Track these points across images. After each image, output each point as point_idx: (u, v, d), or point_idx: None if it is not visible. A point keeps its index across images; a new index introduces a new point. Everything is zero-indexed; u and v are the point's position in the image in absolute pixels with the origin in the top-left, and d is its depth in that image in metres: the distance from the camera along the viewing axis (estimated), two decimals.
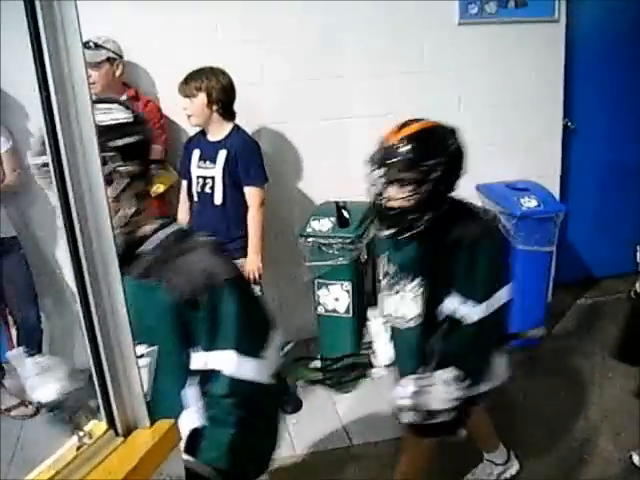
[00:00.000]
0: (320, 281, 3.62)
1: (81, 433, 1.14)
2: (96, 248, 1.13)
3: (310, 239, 3.56)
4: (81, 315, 1.15)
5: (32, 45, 1.02)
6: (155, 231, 1.58)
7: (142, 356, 1.50)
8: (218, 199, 3.25)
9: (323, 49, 3.75)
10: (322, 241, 3.53)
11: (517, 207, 3.81)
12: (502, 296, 2.18)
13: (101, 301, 1.15)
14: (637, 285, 2.83)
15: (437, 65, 3.96)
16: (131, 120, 1.57)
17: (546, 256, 3.95)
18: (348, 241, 3.49)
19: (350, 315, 3.65)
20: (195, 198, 3.34)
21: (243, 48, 3.61)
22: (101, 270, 1.14)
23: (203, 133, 3.31)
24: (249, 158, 3.23)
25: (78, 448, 1.12)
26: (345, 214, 3.69)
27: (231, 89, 3.21)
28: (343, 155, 3.95)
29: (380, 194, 2.17)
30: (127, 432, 1.20)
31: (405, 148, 2.11)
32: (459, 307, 2.17)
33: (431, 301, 2.25)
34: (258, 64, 3.68)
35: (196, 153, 3.30)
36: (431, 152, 2.11)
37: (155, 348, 1.54)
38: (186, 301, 1.47)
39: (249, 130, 3.40)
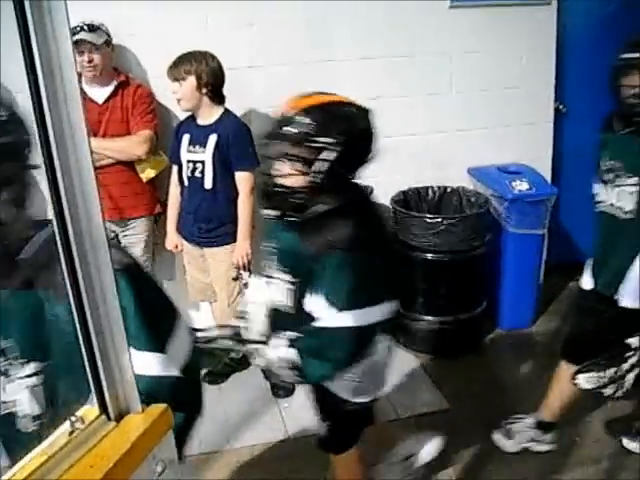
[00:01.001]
0: None
1: (73, 418, 1.14)
2: (86, 235, 1.12)
3: None
4: (72, 301, 1.15)
5: (19, 29, 1.02)
6: (31, 236, 1.39)
7: (35, 374, 1.35)
8: (208, 184, 3.24)
9: (313, 32, 3.73)
10: None
11: (509, 190, 3.82)
12: (374, 313, 1.93)
13: (92, 287, 1.14)
14: (581, 280, 2.81)
15: (428, 48, 3.95)
16: (4, 119, 1.36)
17: (538, 239, 3.97)
18: None
19: None
20: (185, 183, 3.33)
21: (233, 32, 3.59)
22: (92, 256, 1.14)
23: (193, 118, 3.30)
24: (239, 142, 3.21)
25: (70, 433, 1.13)
26: None
27: (220, 72, 3.20)
28: None
29: (268, 170, 1.97)
30: (119, 417, 1.20)
31: (298, 121, 1.87)
32: (321, 310, 1.94)
33: (298, 294, 2.01)
34: (248, 48, 3.66)
35: (186, 138, 3.29)
36: (327, 129, 1.85)
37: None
38: None
39: (239, 114, 3.39)
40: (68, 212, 1.09)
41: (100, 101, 3.36)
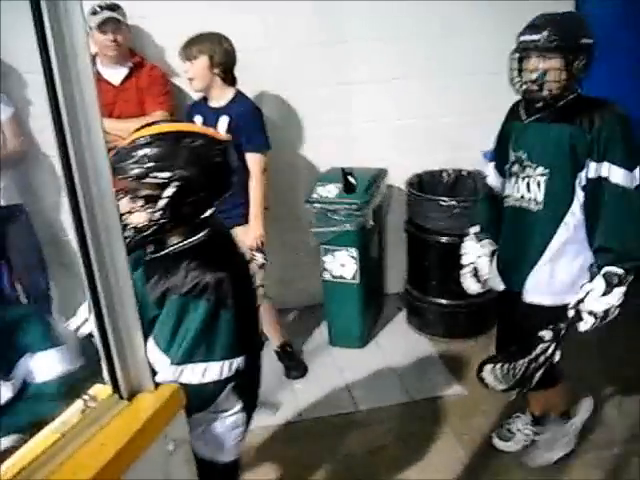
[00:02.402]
0: (326, 247, 3.63)
1: (86, 397, 1.15)
2: (99, 215, 1.13)
3: (316, 205, 3.55)
4: (85, 281, 1.16)
5: (31, 7, 1.01)
6: None
7: None
8: None
9: (327, 14, 3.69)
10: (328, 207, 3.52)
11: None
12: (213, 370, 1.65)
13: (104, 267, 1.15)
14: (490, 281, 2.70)
15: (443, 29, 3.89)
16: None
17: None
18: (354, 207, 3.48)
19: (357, 281, 3.66)
20: None
21: (246, 13, 3.56)
22: (104, 236, 1.14)
23: (205, 99, 3.29)
24: (251, 124, 3.20)
25: (83, 412, 1.14)
26: (351, 180, 3.67)
27: (233, 53, 3.18)
28: (347, 121, 3.92)
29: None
30: (131, 396, 1.21)
31: (137, 154, 1.64)
32: (157, 361, 1.62)
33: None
34: (261, 30, 3.64)
35: (198, 119, 3.27)
36: (169, 162, 1.64)
37: None
38: None
39: (252, 96, 3.37)
40: (81, 191, 1.09)
41: (116, 83, 3.37)
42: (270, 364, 3.48)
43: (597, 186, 2.24)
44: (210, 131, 1.80)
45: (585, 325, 2.22)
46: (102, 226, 1.12)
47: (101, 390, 1.19)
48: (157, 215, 1.64)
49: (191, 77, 3.18)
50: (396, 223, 4.06)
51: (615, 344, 3.41)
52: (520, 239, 2.47)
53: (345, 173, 3.71)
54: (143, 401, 1.21)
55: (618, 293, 2.20)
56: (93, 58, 3.22)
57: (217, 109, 3.21)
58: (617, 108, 2.29)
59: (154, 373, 1.33)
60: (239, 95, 3.23)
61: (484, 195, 2.84)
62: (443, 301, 3.82)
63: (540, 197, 2.36)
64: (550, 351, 2.26)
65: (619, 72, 4.33)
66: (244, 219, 3.27)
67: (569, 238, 2.36)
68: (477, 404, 3.22)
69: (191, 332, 1.61)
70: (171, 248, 1.71)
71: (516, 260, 2.51)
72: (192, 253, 1.68)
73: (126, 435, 1.12)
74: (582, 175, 2.27)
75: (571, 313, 2.25)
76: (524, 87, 2.33)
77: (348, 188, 3.61)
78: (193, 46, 3.11)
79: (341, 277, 3.67)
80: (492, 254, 2.65)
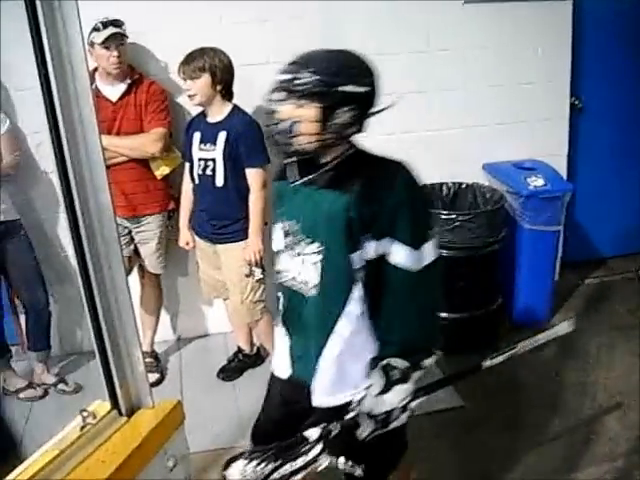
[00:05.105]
0: None
1: (85, 413, 1.15)
2: (97, 229, 1.13)
3: None
4: (84, 297, 1.15)
5: (30, 25, 1.02)
6: None
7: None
8: (219, 181, 3.24)
9: (326, 29, 3.71)
10: None
11: (524, 186, 3.79)
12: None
13: (103, 282, 1.15)
14: (273, 365, 2.16)
15: (443, 44, 3.92)
16: None
17: (553, 235, 3.94)
18: None
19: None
20: (197, 181, 3.33)
21: (245, 28, 3.58)
22: (103, 251, 1.14)
23: (203, 115, 3.30)
24: (250, 139, 3.20)
25: (82, 428, 1.13)
26: None
27: (232, 68, 3.20)
28: None
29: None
30: (131, 412, 1.20)
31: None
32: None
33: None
34: (259, 44, 3.65)
35: (197, 135, 3.28)
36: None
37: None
38: None
39: (250, 111, 3.37)
40: (79, 207, 1.09)
41: (114, 99, 3.37)
42: None
43: (378, 268, 1.81)
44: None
45: (363, 431, 1.78)
46: (101, 242, 1.12)
47: (100, 406, 1.19)
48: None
49: (193, 94, 3.19)
50: None
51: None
52: (300, 325, 1.98)
53: None
54: (142, 417, 1.21)
55: (401, 391, 1.82)
56: (92, 74, 3.23)
57: (215, 124, 3.22)
58: (405, 171, 1.86)
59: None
60: (236, 110, 3.24)
61: None
62: (444, 314, 3.79)
63: (316, 279, 1.86)
64: (312, 455, 1.78)
65: (619, 72, 4.37)
66: (243, 234, 3.27)
67: (354, 330, 1.86)
68: (478, 418, 3.20)
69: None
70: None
71: (301, 349, 2.00)
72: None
73: (125, 451, 1.11)
74: (361, 254, 1.80)
75: (350, 414, 1.81)
76: (276, 138, 1.81)
77: None
78: (192, 63, 3.13)
79: None
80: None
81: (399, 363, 1.80)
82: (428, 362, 1.92)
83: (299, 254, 1.89)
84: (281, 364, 2.05)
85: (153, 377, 3.57)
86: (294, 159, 1.83)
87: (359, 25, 3.74)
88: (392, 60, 3.83)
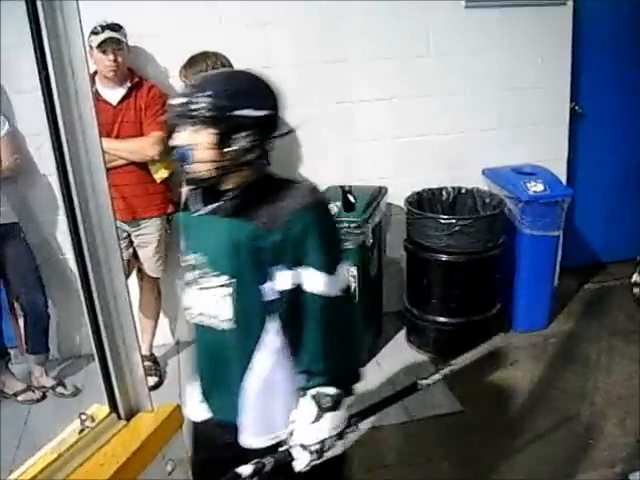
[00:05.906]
0: None
1: (83, 416, 1.14)
2: (97, 233, 1.13)
3: None
4: (83, 300, 1.15)
5: (31, 28, 1.02)
6: None
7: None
8: None
9: (327, 33, 3.72)
10: None
11: (524, 191, 3.79)
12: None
13: (103, 286, 1.15)
14: (188, 409, 1.91)
15: (443, 48, 3.93)
16: None
17: (553, 240, 3.93)
18: (354, 225, 3.47)
19: (356, 300, 3.64)
20: None
21: (246, 32, 3.58)
22: (103, 255, 1.14)
23: None
24: None
25: (80, 431, 1.13)
26: (351, 198, 3.67)
27: None
28: (346, 139, 3.93)
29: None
30: (129, 416, 1.20)
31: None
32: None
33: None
34: (261, 48, 3.65)
35: None
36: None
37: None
38: None
39: None
40: (79, 210, 1.09)
41: (114, 102, 3.37)
42: None
43: (293, 297, 1.71)
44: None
45: (299, 464, 1.68)
46: (100, 245, 1.12)
47: (99, 410, 1.18)
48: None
49: None
50: (396, 241, 4.05)
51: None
52: (215, 364, 1.87)
53: (344, 191, 3.71)
54: (141, 421, 1.20)
55: (334, 418, 1.72)
56: (92, 77, 3.23)
57: None
58: (315, 194, 1.81)
59: None
60: None
61: None
62: (443, 319, 3.80)
63: (228, 314, 1.75)
64: None
65: (619, 77, 4.37)
66: None
67: (274, 365, 1.77)
68: (478, 423, 3.20)
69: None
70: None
71: (218, 386, 1.88)
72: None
73: (124, 455, 1.11)
74: (273, 285, 1.71)
75: (283, 447, 1.72)
76: (186, 167, 1.70)
77: (347, 206, 3.61)
78: (195, 67, 3.12)
79: None
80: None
81: (329, 391, 1.72)
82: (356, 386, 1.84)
83: (206, 288, 1.77)
84: (195, 407, 1.90)
85: (152, 381, 3.57)
86: (195, 187, 1.73)
87: (359, 28, 3.75)
88: (392, 64, 3.85)
